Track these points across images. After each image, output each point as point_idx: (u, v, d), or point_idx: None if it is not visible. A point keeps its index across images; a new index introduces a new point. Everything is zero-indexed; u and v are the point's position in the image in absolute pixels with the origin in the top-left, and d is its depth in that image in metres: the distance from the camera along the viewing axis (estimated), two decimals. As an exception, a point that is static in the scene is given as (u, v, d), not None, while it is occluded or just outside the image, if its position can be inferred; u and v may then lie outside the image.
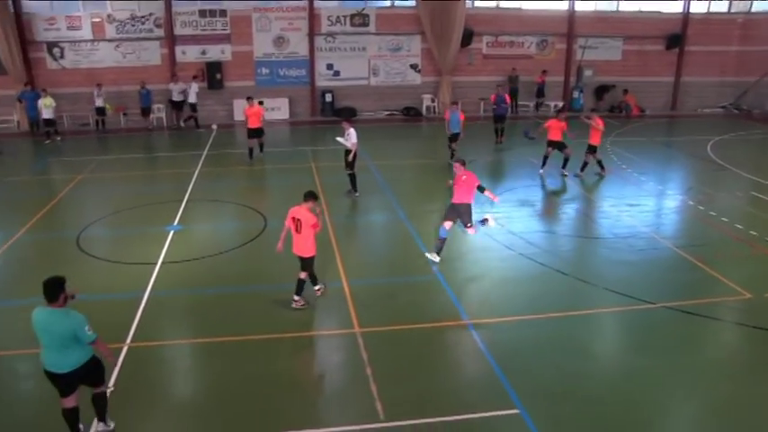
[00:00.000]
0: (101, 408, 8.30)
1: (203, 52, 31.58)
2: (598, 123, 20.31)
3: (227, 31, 31.58)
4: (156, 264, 13.71)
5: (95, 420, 8.43)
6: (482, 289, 12.78)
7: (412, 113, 33.58)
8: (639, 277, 13.11)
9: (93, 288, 11.12)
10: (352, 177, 18.76)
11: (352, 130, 18.41)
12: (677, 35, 34.76)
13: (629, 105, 34.24)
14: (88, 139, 28.35)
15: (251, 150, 23.37)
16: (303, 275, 11.77)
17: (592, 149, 20.63)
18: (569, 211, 17.72)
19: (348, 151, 18.38)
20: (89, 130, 30.24)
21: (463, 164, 13.68)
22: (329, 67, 33.02)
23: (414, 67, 33.69)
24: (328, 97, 32.87)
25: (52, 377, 7.77)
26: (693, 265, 13.66)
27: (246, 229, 15.98)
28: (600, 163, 21.08)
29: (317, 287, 12.14)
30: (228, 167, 22.68)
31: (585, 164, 20.89)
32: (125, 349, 10.32)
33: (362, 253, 14.50)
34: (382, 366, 9.82)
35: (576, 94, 34.45)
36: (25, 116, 29.90)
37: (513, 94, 33.00)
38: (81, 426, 8.18)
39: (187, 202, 18.36)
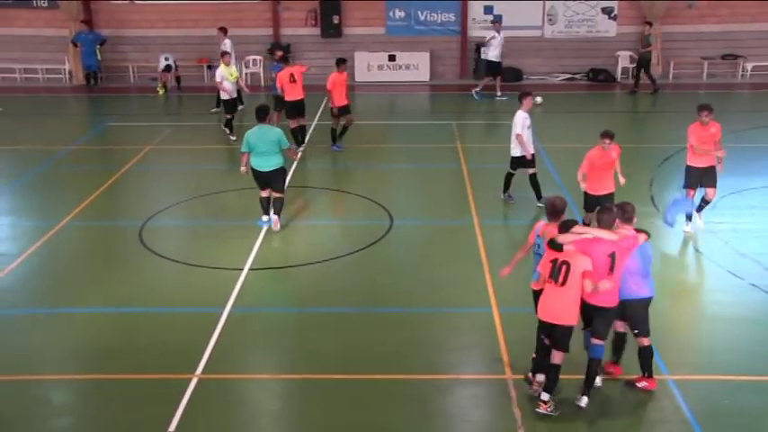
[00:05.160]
0: (277, 207, 15.84)
1: (316, -14, 32.11)
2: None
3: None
4: (241, 270, 14.13)
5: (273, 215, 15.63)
6: (693, 332, 12.50)
7: (601, 78, 32.94)
8: None
9: (154, 298, 11.21)
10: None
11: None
12: None
13: None
14: (158, 98, 29.66)
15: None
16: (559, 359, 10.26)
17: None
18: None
19: None
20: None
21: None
22: (488, 10, 32.95)
23: (607, 11, 33.11)
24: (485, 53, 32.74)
25: (259, 174, 15.49)
26: None
27: (364, 228, 16.33)
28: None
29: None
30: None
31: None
32: (194, 382, 10.68)
33: (519, 270, 14.26)
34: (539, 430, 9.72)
35: None
36: (80, 65, 31.25)
37: (644, 66, 29.95)
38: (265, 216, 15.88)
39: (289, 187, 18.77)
